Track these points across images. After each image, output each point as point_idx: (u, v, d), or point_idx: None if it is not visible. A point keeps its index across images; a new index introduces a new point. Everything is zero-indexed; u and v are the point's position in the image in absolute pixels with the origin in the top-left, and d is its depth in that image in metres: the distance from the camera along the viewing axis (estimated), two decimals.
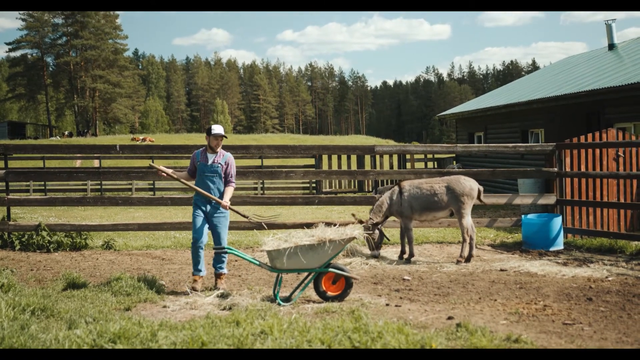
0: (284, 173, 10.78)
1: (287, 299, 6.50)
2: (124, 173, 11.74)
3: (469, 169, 12.67)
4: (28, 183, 23.79)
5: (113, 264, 8.97)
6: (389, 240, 9.72)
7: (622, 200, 10.50)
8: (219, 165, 7.17)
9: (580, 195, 10.35)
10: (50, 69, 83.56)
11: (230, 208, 7.12)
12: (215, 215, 7.12)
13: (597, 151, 10.41)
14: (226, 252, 6.99)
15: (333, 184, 24.14)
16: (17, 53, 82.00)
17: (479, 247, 9.99)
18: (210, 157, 7.20)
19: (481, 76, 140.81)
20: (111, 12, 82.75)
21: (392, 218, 9.45)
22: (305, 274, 6.76)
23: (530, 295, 6.67)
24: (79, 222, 12.03)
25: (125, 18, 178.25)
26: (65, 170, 17.54)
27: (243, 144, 32.07)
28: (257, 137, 71.08)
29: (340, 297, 6.48)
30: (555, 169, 10.32)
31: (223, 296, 6.65)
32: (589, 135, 10.75)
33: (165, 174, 7.27)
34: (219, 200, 7.04)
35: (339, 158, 23.61)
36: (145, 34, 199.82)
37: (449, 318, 5.66)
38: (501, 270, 8.13)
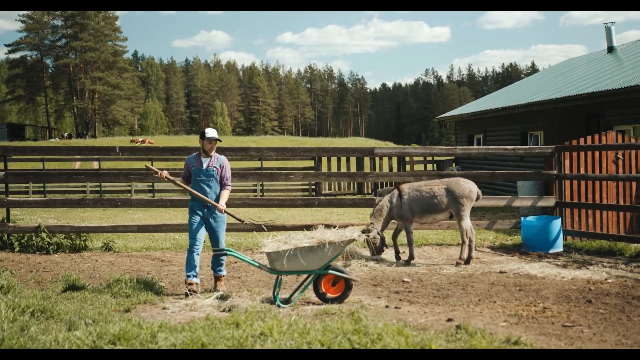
0: (284, 175, 10.78)
1: (286, 301, 6.50)
2: (123, 175, 11.70)
3: (468, 171, 12.66)
4: (27, 185, 23.78)
5: (112, 266, 8.97)
6: (387, 247, 9.72)
7: (621, 203, 10.50)
8: (215, 168, 7.15)
9: (579, 197, 10.35)
10: (50, 70, 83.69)
11: (226, 212, 7.12)
12: (213, 218, 7.13)
13: (597, 154, 10.42)
14: (226, 254, 6.98)
15: (332, 186, 24.13)
16: (17, 55, 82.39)
17: (478, 249, 10.00)
18: (205, 161, 7.17)
19: (480, 79, 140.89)
20: (110, 14, 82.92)
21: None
22: (305, 275, 6.76)
23: (530, 297, 6.67)
24: (79, 223, 12.05)
25: (124, 20, 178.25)
26: (64, 172, 17.51)
27: (242, 145, 32.11)
28: (256, 139, 71.11)
29: (339, 299, 6.49)
30: (555, 172, 10.32)
31: (223, 298, 6.65)
32: (589, 138, 10.75)
33: (162, 177, 7.24)
34: (215, 204, 7.03)
35: (339, 160, 23.61)
36: (145, 36, 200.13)
37: (449, 320, 5.67)
38: (500, 272, 8.14)
